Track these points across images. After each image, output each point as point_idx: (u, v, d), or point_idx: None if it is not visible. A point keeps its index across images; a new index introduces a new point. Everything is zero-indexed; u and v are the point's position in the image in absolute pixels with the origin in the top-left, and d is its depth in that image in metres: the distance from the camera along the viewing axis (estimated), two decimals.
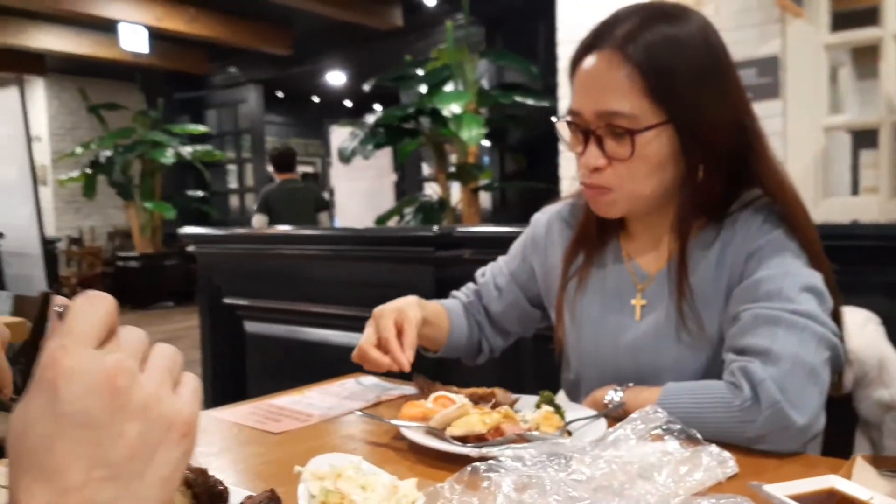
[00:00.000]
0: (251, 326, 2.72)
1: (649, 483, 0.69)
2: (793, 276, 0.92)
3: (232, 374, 2.78)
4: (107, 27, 7.32)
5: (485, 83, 6.24)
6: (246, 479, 0.84)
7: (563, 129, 1.03)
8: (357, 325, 2.33)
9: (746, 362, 0.88)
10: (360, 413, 1.07)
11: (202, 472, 0.70)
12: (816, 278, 0.93)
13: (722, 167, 0.98)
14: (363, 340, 1.11)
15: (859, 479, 0.69)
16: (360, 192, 7.44)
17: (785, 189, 0.99)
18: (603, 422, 0.93)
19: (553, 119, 1.05)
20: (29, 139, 5.03)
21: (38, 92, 9.49)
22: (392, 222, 5.48)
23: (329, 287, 2.43)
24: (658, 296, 1.04)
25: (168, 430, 0.39)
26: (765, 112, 3.40)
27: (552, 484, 0.67)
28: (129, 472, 0.37)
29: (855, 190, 4.26)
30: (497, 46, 6.30)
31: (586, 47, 0.98)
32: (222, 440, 1.01)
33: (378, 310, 1.14)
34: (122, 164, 8.38)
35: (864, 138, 3.96)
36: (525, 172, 6.23)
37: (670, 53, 0.93)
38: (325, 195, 6.31)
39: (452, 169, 5.63)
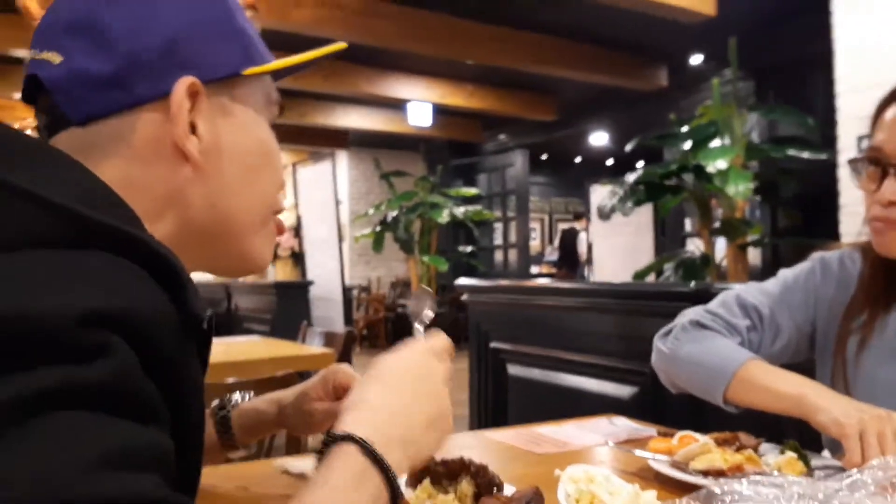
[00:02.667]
0: (513, 369, 2.96)
1: None
2: None
3: (495, 410, 3.04)
4: (397, 105, 8.41)
5: (755, 137, 5.97)
6: (513, 482, 1.02)
7: (857, 169, 1.07)
8: (608, 374, 2.46)
9: None
10: (612, 444, 1.20)
11: (483, 467, 0.89)
12: None
13: None
14: None
15: None
16: (618, 247, 7.48)
17: None
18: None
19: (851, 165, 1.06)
20: (336, 203, 5.97)
21: (343, 162, 11.05)
22: (650, 279, 5.44)
23: (584, 337, 2.57)
24: None
25: None
26: None
27: None
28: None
29: None
30: (768, 99, 6.02)
31: None
32: (491, 454, 1.21)
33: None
34: (405, 223, 9.45)
35: None
36: (800, 228, 5.79)
37: None
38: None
39: (717, 224, 5.45)
